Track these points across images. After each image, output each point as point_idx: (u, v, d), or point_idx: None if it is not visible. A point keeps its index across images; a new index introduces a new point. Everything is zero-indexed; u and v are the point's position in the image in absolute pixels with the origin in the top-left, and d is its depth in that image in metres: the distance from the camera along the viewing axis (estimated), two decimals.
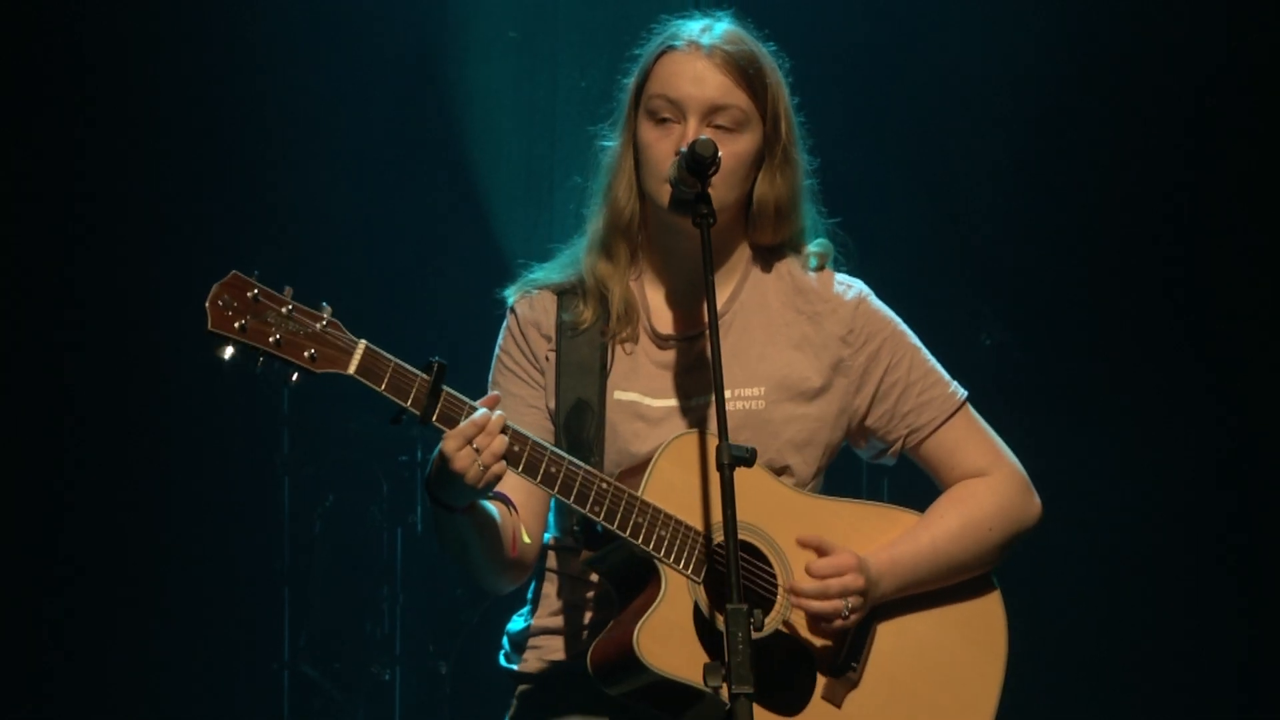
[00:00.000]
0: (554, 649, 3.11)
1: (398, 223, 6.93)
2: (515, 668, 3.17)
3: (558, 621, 3.13)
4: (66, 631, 6.52)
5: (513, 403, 3.10)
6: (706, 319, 2.99)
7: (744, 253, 3.16)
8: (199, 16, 6.66)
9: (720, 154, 2.89)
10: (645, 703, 2.94)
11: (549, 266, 3.20)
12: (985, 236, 6.42)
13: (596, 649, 2.93)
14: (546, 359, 3.12)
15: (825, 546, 2.99)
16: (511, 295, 3.20)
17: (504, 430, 2.82)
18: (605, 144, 3.16)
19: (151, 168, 6.62)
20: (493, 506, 2.98)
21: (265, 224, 6.63)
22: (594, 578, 3.09)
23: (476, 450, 2.79)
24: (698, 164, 2.87)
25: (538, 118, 7.23)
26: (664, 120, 3.04)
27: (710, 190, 2.93)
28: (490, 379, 3.18)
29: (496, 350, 3.18)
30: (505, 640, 3.20)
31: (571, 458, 2.90)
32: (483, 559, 3.01)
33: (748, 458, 2.79)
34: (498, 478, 2.82)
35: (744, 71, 3.03)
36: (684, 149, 2.89)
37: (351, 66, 6.94)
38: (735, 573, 2.71)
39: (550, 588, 3.16)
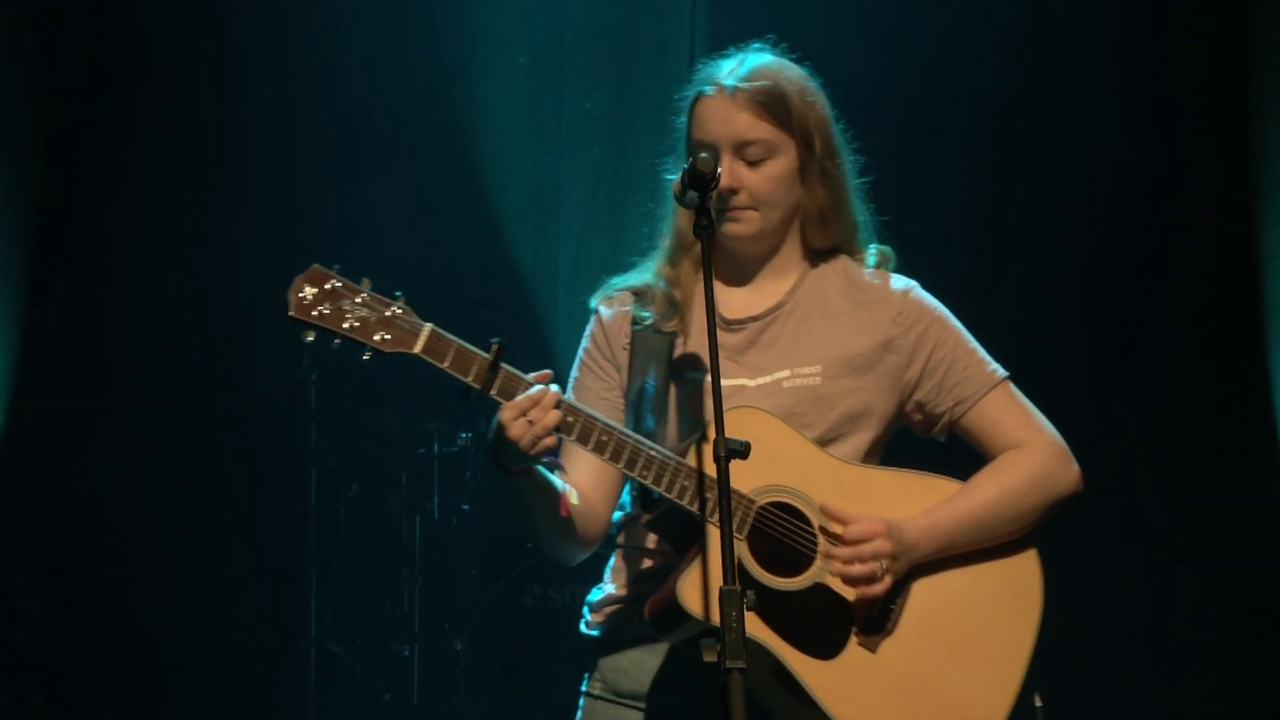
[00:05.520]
0: (626, 615, 3.16)
1: (411, 234, 6.93)
2: (594, 635, 3.22)
3: (630, 591, 3.18)
4: (110, 612, 6.52)
5: (586, 394, 3.21)
6: (761, 313, 3.17)
7: (801, 253, 3.25)
8: (213, 45, 6.68)
9: (720, 170, 2.97)
10: (700, 651, 2.96)
11: (626, 275, 3.31)
12: (957, 237, 6.40)
13: (652, 601, 3.00)
14: (624, 349, 3.22)
15: (849, 517, 3.02)
16: (595, 299, 3.31)
17: (558, 405, 2.91)
18: (668, 176, 3.24)
19: (179, 185, 6.64)
20: (548, 472, 3.06)
21: (286, 234, 6.62)
22: (656, 548, 3.15)
23: (530, 421, 2.88)
24: (698, 179, 2.93)
25: (545, 137, 7.24)
26: None
27: (757, 210, 3.10)
28: (572, 373, 3.28)
29: (581, 346, 3.29)
30: (585, 609, 3.26)
31: (623, 429, 2.97)
32: (540, 520, 3.09)
33: (743, 451, 2.82)
34: (549, 448, 2.92)
35: (765, 105, 3.11)
36: (685, 165, 2.95)
37: (370, 88, 6.94)
38: (730, 557, 2.71)
39: (623, 560, 3.23)
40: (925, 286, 3.29)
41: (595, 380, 3.22)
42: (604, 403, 3.19)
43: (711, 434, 2.95)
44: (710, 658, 2.68)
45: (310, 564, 7.00)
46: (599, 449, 2.94)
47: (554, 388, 2.93)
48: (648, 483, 2.95)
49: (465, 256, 7.02)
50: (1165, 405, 6.24)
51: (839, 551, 3.00)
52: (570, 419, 2.92)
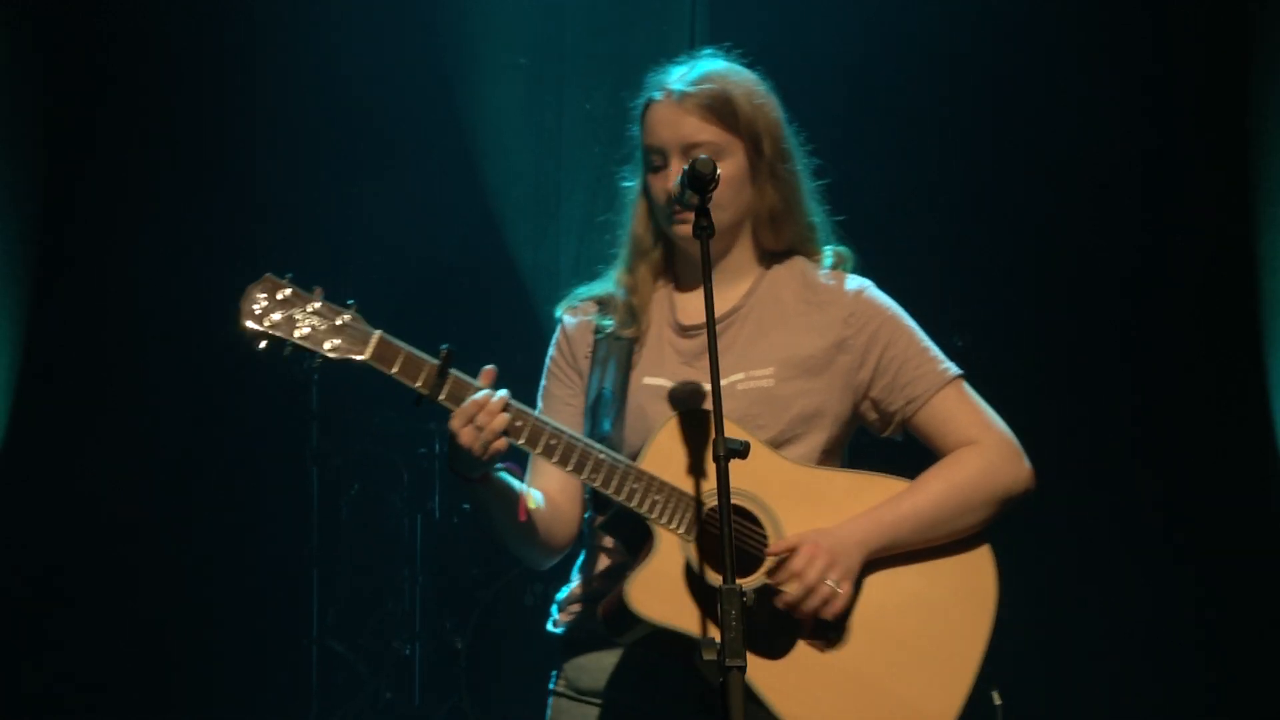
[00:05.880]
0: (587, 614, 3.18)
1: (411, 234, 6.94)
2: (559, 633, 3.25)
3: (592, 587, 3.20)
4: (112, 612, 6.52)
5: (553, 402, 3.24)
6: (718, 317, 3.16)
7: (755, 256, 3.26)
8: (213, 47, 6.67)
9: (719, 172, 2.95)
10: (654, 651, 3.00)
11: (590, 284, 3.34)
12: (957, 236, 6.40)
13: (603, 602, 3.03)
14: (586, 357, 3.25)
15: (785, 548, 3.00)
16: (560, 309, 3.34)
17: (506, 409, 2.93)
18: (625, 184, 3.31)
19: (180, 185, 6.64)
20: (508, 477, 3.08)
21: (287, 234, 6.63)
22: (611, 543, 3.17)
23: (479, 427, 2.90)
24: (698, 180, 2.92)
25: (545, 138, 7.24)
26: (657, 167, 3.18)
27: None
28: (541, 382, 3.31)
29: (548, 355, 3.32)
30: (554, 608, 3.28)
31: (572, 433, 2.99)
32: (502, 524, 3.12)
33: (741, 450, 2.82)
34: (499, 452, 2.94)
35: (711, 108, 3.13)
36: (685, 167, 2.95)
37: (371, 89, 6.94)
38: (730, 554, 2.71)
39: (588, 558, 3.25)
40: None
41: (561, 389, 3.25)
42: (569, 409, 3.21)
43: (656, 439, 3.00)
44: (710, 656, 2.68)
45: (312, 563, 7.00)
46: (548, 452, 2.96)
47: (502, 392, 2.94)
48: (596, 486, 2.97)
49: (466, 257, 7.02)
50: (1163, 405, 6.23)
51: (790, 593, 2.97)
52: (519, 423, 2.94)
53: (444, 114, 7.16)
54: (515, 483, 3.08)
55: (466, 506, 6.95)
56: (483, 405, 2.90)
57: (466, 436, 2.90)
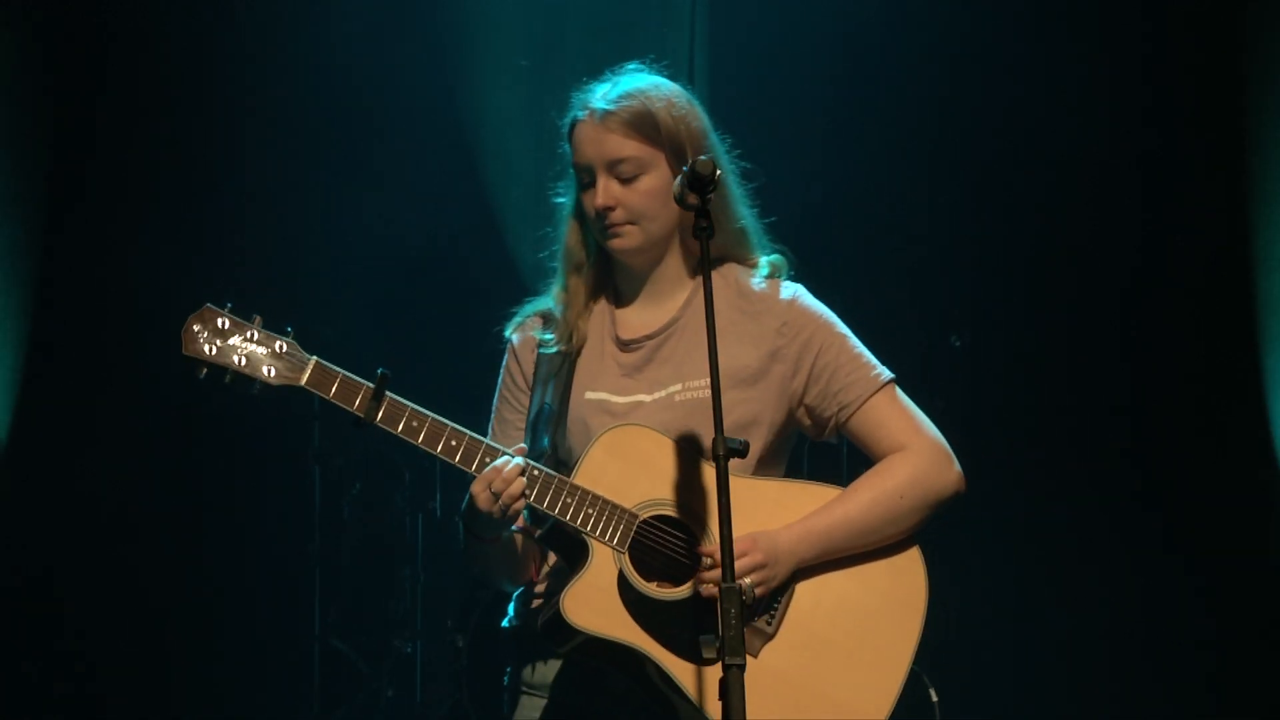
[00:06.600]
0: (537, 609, 3.22)
1: (412, 236, 6.94)
2: (511, 628, 3.28)
3: (544, 588, 3.24)
4: (115, 610, 6.51)
5: (505, 426, 3.31)
6: (655, 331, 3.24)
7: (688, 267, 3.30)
8: (215, 50, 6.67)
9: (719, 173, 2.96)
10: (594, 659, 3.05)
11: (537, 300, 3.40)
12: (957, 235, 6.39)
13: (542, 615, 3.08)
14: (532, 375, 3.29)
15: (716, 549, 3.02)
16: (509, 329, 3.39)
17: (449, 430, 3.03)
18: (558, 200, 3.39)
19: (181, 186, 6.64)
20: (517, 538, 3.17)
21: (287, 235, 6.62)
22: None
23: (495, 493, 2.98)
24: (697, 181, 2.93)
25: (546, 139, 7.21)
26: (586, 184, 3.25)
27: (636, 224, 3.18)
28: (494, 403, 3.37)
29: (499, 378, 3.37)
30: (510, 606, 3.32)
31: (504, 450, 3.04)
32: (501, 577, 3.25)
33: (741, 449, 2.83)
34: (518, 513, 3.01)
35: (631, 124, 3.20)
36: (685, 168, 2.95)
37: (372, 91, 6.94)
38: (729, 554, 2.71)
39: (546, 560, 3.28)
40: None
41: (511, 412, 3.31)
42: (519, 433, 3.27)
43: (590, 454, 3.05)
44: (710, 654, 2.69)
45: (314, 562, 7.02)
46: (480, 469, 3.02)
47: (517, 460, 2.99)
48: (530, 500, 3.01)
49: (466, 258, 7.02)
50: (1161, 404, 6.23)
51: (706, 576, 3.01)
52: (454, 442, 3.02)
53: (445, 115, 7.15)
54: (518, 542, 3.15)
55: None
56: (500, 470, 2.98)
57: (484, 501, 2.98)
